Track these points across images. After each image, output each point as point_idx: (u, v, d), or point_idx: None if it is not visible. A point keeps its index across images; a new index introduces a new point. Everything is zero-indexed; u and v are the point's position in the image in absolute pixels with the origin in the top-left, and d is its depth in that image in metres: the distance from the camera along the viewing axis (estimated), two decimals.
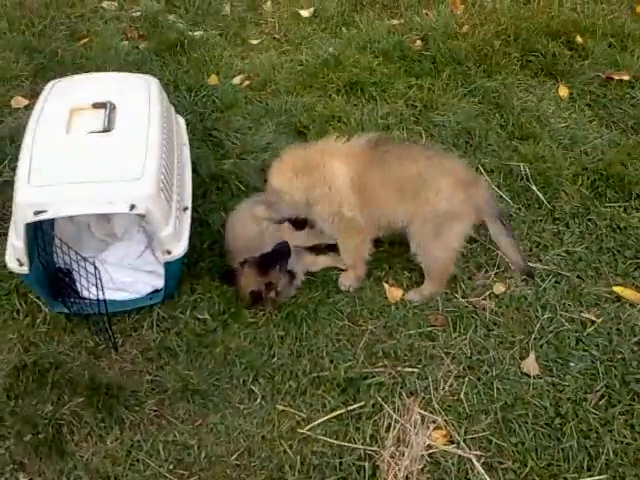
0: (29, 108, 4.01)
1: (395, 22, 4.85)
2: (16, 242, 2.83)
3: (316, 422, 2.77)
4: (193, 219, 3.17)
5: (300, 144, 3.34)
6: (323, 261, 3.33)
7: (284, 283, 3.11)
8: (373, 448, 2.67)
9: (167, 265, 2.99)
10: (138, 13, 4.93)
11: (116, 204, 2.79)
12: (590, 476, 2.61)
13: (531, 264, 3.30)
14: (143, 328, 3.08)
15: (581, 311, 3.13)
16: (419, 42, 4.63)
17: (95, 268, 2.76)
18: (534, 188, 3.64)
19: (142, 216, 2.99)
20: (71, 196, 2.78)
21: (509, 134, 3.99)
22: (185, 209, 3.15)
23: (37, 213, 2.72)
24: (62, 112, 3.04)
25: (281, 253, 3.10)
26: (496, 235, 3.10)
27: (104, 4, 5.02)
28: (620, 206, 3.55)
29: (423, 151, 3.12)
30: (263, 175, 3.67)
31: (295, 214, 3.14)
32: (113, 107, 3.06)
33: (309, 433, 2.74)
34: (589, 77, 4.32)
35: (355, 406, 2.81)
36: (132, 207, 2.77)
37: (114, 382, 2.88)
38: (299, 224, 3.22)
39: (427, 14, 4.90)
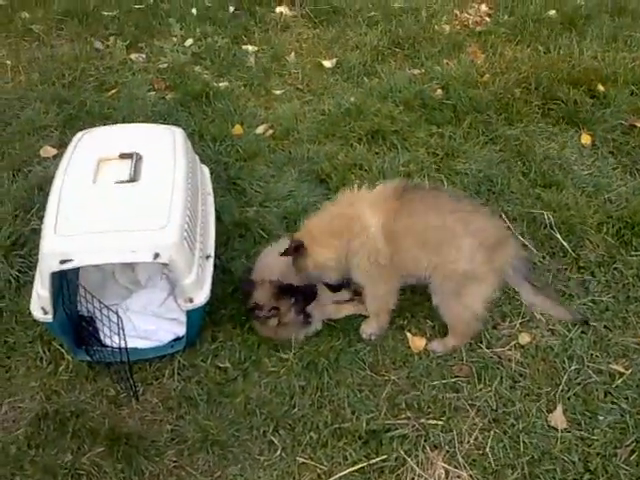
0: (57, 158, 4.12)
1: (416, 72, 4.93)
2: (41, 291, 2.87)
3: (337, 475, 2.72)
4: (215, 266, 3.18)
5: (321, 208, 3.21)
6: (347, 309, 3.31)
7: (293, 319, 3.11)
8: None
9: (189, 313, 3.00)
10: (165, 65, 5.07)
11: (140, 253, 2.82)
12: None
13: None
14: (164, 377, 3.07)
15: (609, 362, 3.06)
16: (440, 91, 4.68)
17: (118, 317, 2.78)
18: (558, 236, 3.61)
19: (165, 265, 3.02)
20: (96, 245, 2.81)
21: (531, 182, 3.98)
22: (208, 257, 3.17)
23: (63, 262, 2.76)
24: (89, 162, 3.11)
25: (307, 293, 3.10)
26: (528, 297, 3.05)
27: (132, 56, 5.18)
28: None
29: (452, 203, 3.00)
30: (285, 223, 3.74)
31: (340, 279, 3.09)
32: (139, 157, 3.13)
33: None
34: (611, 125, 4.32)
35: (377, 459, 2.76)
36: (156, 256, 2.80)
37: (134, 432, 2.87)
38: (336, 288, 3.18)
39: (448, 63, 4.98)
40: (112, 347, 3.00)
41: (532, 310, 3.12)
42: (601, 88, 4.58)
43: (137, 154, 3.14)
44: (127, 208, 2.94)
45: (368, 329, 3.20)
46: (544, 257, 3.54)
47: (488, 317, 3.23)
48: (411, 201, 2.94)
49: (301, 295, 3.11)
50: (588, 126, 4.35)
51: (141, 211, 2.93)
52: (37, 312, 2.90)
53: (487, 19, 5.46)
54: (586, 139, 4.29)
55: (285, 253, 3.01)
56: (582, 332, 3.18)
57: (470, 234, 2.87)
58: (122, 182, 3.01)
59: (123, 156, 3.14)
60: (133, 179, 3.02)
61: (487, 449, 2.78)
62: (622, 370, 3.02)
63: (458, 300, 2.96)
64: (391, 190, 3.00)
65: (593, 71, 4.72)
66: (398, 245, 2.94)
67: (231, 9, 5.66)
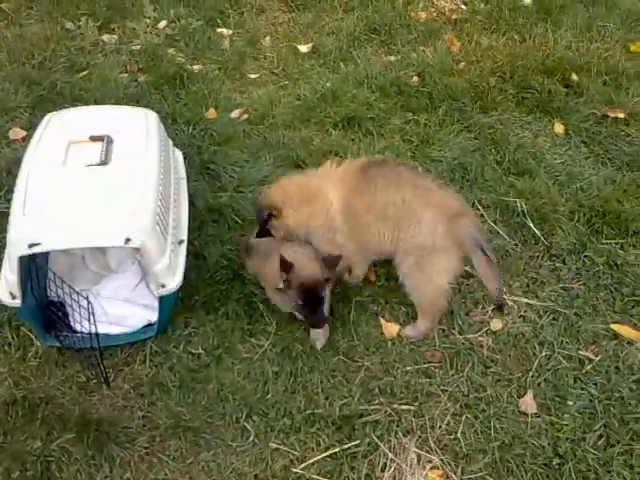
0: (27, 140, 4.03)
1: (392, 58, 4.90)
2: (9, 275, 2.81)
3: (310, 461, 2.73)
4: (189, 252, 3.14)
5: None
6: None
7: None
8: None
9: (161, 299, 2.96)
10: (138, 47, 4.97)
11: (111, 237, 2.78)
12: None
13: (528, 300, 3.29)
14: (136, 363, 3.04)
15: (579, 349, 3.10)
16: (416, 78, 4.67)
17: (88, 302, 2.73)
18: (531, 224, 3.64)
19: (137, 249, 2.97)
20: (66, 229, 2.76)
21: (505, 170, 4.00)
22: (181, 242, 3.14)
23: (31, 246, 2.70)
24: (59, 144, 3.05)
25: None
26: (477, 266, 3.00)
27: (104, 37, 5.06)
28: (617, 243, 3.54)
29: (413, 179, 3.06)
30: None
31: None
32: (110, 140, 3.07)
33: (303, 472, 2.69)
34: (584, 114, 4.35)
35: (350, 445, 2.77)
36: (127, 240, 2.76)
37: (105, 418, 2.83)
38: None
39: (424, 51, 4.95)
40: (82, 333, 2.96)
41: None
42: (575, 78, 4.60)
43: (108, 137, 3.08)
44: (98, 192, 2.88)
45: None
46: (517, 245, 3.57)
47: (461, 302, 3.27)
48: (373, 177, 3.00)
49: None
50: (561, 115, 4.38)
51: (112, 195, 2.88)
52: (5, 297, 2.84)
53: (463, 7, 5.43)
54: (559, 128, 4.31)
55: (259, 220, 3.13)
56: (553, 319, 3.22)
57: (430, 207, 2.92)
58: (93, 165, 2.96)
59: (94, 139, 3.08)
60: (104, 162, 2.97)
61: (459, 434, 2.80)
62: (591, 356, 3.06)
63: (421, 273, 2.98)
64: (355, 167, 3.06)
65: (567, 61, 4.73)
66: (358, 221, 3.00)
67: None
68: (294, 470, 2.70)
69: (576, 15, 5.24)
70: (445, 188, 3.17)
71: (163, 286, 2.92)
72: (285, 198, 3.08)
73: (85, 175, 2.93)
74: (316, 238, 3.09)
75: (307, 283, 2.85)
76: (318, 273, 2.88)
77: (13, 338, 3.11)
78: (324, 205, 3.03)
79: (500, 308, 3.19)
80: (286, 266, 2.84)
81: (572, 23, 5.14)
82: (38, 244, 2.70)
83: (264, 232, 3.17)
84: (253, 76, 4.78)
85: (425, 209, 2.92)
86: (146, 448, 2.76)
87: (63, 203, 2.82)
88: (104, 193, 2.88)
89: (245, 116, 4.42)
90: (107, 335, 3.04)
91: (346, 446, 2.76)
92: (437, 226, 2.90)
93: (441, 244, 2.92)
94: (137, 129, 3.23)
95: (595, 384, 2.97)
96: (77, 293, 2.83)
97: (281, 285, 2.89)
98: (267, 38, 5.12)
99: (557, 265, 3.46)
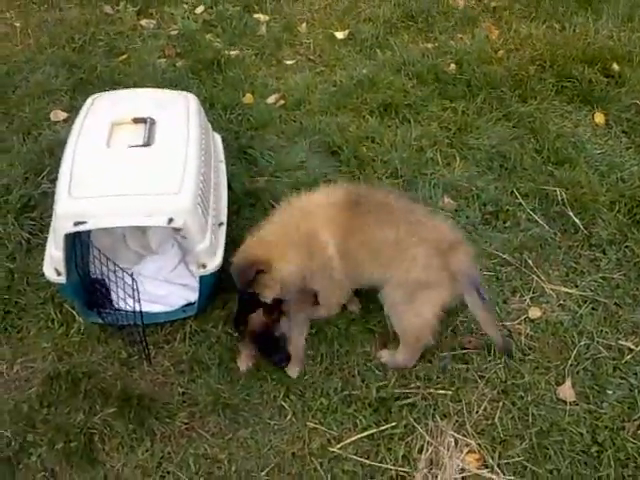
0: (68, 122, 4.11)
1: (429, 46, 4.87)
2: (55, 252, 2.87)
3: (347, 441, 2.76)
4: (227, 235, 3.18)
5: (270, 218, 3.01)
6: None
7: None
8: (405, 469, 2.65)
9: (201, 279, 3.00)
10: (175, 32, 5.02)
11: (154, 217, 2.82)
12: None
13: (567, 289, 3.27)
14: (176, 341, 3.09)
15: (618, 338, 3.07)
16: (453, 66, 4.64)
17: (133, 279, 2.78)
18: (570, 214, 3.61)
19: (179, 230, 3.02)
20: (111, 208, 2.81)
21: (544, 159, 3.97)
22: (220, 224, 3.18)
23: (77, 224, 2.76)
24: (103, 126, 3.10)
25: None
26: (473, 307, 2.85)
27: (143, 22, 5.12)
28: None
29: (405, 212, 2.87)
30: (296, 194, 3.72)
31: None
32: (153, 122, 3.11)
33: (340, 452, 2.72)
34: (626, 104, 4.29)
35: (387, 426, 2.79)
36: (170, 220, 2.80)
37: (146, 393, 2.89)
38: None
39: (462, 38, 4.93)
40: (124, 310, 3.01)
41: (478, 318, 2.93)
42: (616, 67, 4.53)
43: (151, 119, 3.12)
44: (141, 172, 2.93)
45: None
46: (555, 234, 3.54)
47: (499, 290, 3.26)
48: (364, 214, 2.82)
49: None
50: (602, 105, 4.32)
51: (155, 176, 2.93)
52: (50, 273, 2.91)
53: None
54: (600, 118, 4.26)
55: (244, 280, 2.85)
56: (593, 308, 3.19)
57: (424, 242, 2.78)
58: (136, 146, 3.00)
59: (137, 120, 3.12)
60: (147, 143, 3.01)
61: (496, 419, 2.81)
62: (631, 346, 3.03)
63: (410, 306, 2.84)
64: (343, 201, 2.86)
65: (608, 50, 4.66)
66: (352, 260, 2.86)
67: None
68: (331, 449, 2.73)
69: (617, 4, 5.14)
70: (436, 217, 3.03)
71: (204, 266, 2.96)
72: (270, 249, 2.83)
73: (128, 156, 2.98)
74: (316, 280, 2.94)
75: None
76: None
77: (56, 315, 3.18)
78: (320, 245, 2.84)
79: (509, 355, 2.97)
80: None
81: (613, 12, 5.05)
82: (84, 222, 2.76)
83: (247, 306, 2.93)
84: (289, 62, 4.79)
85: (419, 244, 2.77)
86: (186, 424, 2.81)
87: (107, 183, 2.88)
88: (147, 173, 2.93)
89: (281, 102, 4.44)
90: (148, 313, 3.07)
91: (383, 427, 2.78)
92: (432, 260, 2.76)
93: (435, 279, 2.79)
94: (178, 112, 3.27)
95: (635, 374, 2.94)
96: (122, 270, 2.88)
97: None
98: (303, 24, 5.12)
99: (597, 255, 3.43)
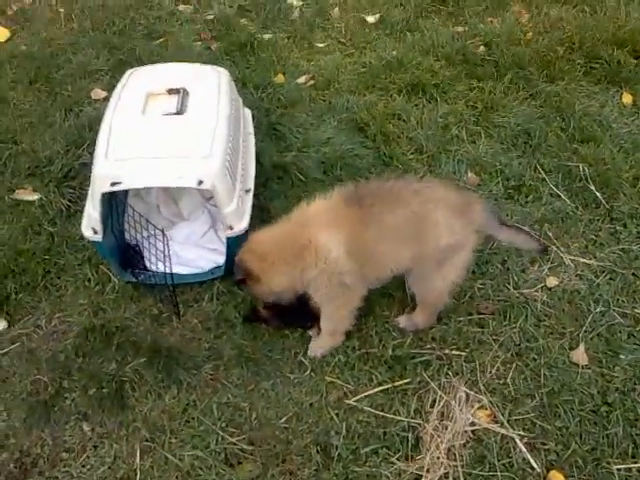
0: (107, 99, 4.30)
1: (459, 29, 4.94)
2: (92, 212, 3.05)
3: (363, 394, 2.87)
4: (254, 205, 3.30)
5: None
6: None
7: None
8: (417, 421, 2.75)
9: (229, 241, 3.15)
10: (212, 16, 5.20)
11: (185, 179, 2.97)
12: (634, 463, 2.60)
13: (586, 260, 3.33)
14: (204, 300, 3.24)
15: (634, 307, 3.12)
16: (482, 47, 4.71)
17: (164, 235, 2.94)
18: (592, 188, 3.65)
19: (208, 192, 3.17)
20: (144, 170, 2.98)
21: (569, 137, 4.01)
22: (247, 191, 3.31)
23: (113, 184, 2.93)
24: (139, 97, 3.26)
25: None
26: (509, 239, 2.97)
27: (180, 7, 5.31)
28: None
29: (410, 188, 2.81)
30: (322, 167, 3.85)
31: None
32: (186, 93, 3.27)
33: (355, 404, 2.83)
34: None
35: (401, 382, 2.89)
36: (200, 182, 2.95)
37: (174, 347, 3.05)
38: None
39: (492, 21, 4.99)
40: (156, 271, 3.18)
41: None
42: None
43: (184, 90, 3.27)
44: (173, 138, 3.09)
45: (318, 349, 3.02)
46: (577, 207, 3.59)
47: (517, 260, 3.31)
48: (372, 205, 2.74)
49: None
50: (630, 85, 4.35)
51: (186, 141, 3.08)
52: (87, 232, 3.09)
53: None
54: (627, 98, 4.28)
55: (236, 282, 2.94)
56: (610, 278, 3.24)
57: (439, 207, 2.76)
58: (169, 114, 3.16)
59: (171, 91, 3.28)
60: (180, 112, 3.16)
61: (508, 379, 2.89)
62: None
63: (438, 272, 2.85)
64: (343, 201, 2.78)
65: (639, 33, 4.67)
66: (372, 254, 2.78)
67: None
68: (347, 402, 2.84)
69: None
70: (442, 183, 2.98)
71: (231, 228, 3.10)
72: (260, 262, 2.76)
73: (162, 123, 3.14)
74: (316, 287, 2.83)
75: None
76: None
77: (92, 275, 3.37)
78: (318, 254, 2.73)
79: (545, 250, 3.17)
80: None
81: None
82: (119, 182, 2.93)
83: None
84: (320, 45, 4.92)
85: (436, 210, 2.75)
86: (211, 375, 2.96)
87: (142, 147, 3.04)
88: (179, 139, 3.08)
89: (311, 82, 4.57)
90: (178, 274, 3.25)
91: (397, 383, 2.89)
92: (453, 223, 2.76)
93: (460, 240, 2.79)
94: (210, 84, 3.42)
95: None
96: (154, 227, 3.04)
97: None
98: (336, 9, 5.24)
99: (617, 228, 3.48)
